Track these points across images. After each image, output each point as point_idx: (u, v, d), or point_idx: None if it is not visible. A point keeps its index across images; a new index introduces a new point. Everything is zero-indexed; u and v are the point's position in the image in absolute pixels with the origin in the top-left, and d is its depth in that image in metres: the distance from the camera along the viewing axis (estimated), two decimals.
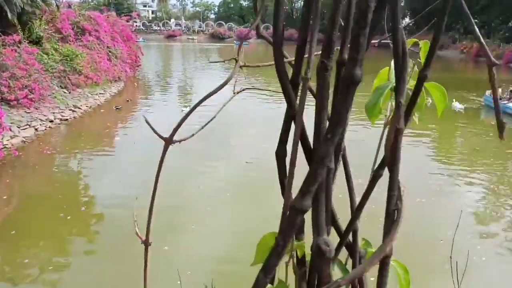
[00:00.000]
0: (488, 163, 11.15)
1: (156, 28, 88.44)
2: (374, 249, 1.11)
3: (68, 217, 7.57)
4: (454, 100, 17.74)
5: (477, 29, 0.69)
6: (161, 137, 0.73)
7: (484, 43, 0.69)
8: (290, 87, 0.75)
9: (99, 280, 5.91)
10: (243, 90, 1.03)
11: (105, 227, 7.49)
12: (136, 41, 28.16)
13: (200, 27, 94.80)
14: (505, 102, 16.60)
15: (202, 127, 0.82)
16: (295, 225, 0.66)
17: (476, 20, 47.87)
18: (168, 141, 0.72)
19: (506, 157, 11.62)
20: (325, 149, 0.65)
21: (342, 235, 0.84)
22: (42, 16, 17.10)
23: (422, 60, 1.04)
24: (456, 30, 50.08)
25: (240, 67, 0.79)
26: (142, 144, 11.67)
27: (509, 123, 15.48)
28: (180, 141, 0.73)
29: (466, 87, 23.33)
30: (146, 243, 0.79)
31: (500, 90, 17.62)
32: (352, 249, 0.80)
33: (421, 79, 0.79)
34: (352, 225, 0.83)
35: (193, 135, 0.80)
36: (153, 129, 0.76)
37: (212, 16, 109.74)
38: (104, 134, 13.74)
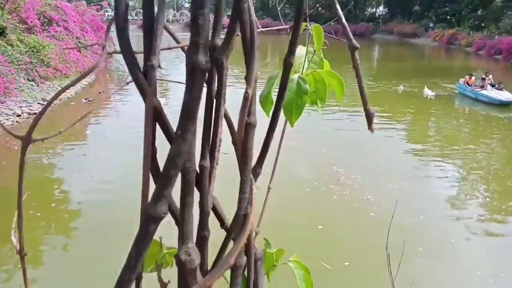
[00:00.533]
0: (460, 148, 11.44)
1: (128, 18, 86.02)
2: (274, 250, 1.06)
3: (38, 214, 7.33)
4: (426, 87, 18.16)
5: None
6: (16, 136, 0.64)
7: (346, 24, 0.62)
8: (142, 76, 0.66)
9: (68, 276, 5.76)
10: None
11: (78, 223, 7.30)
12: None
13: (174, 16, 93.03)
14: (478, 90, 16.85)
15: (72, 124, 0.73)
16: (149, 234, 0.58)
17: (447, 9, 48.87)
18: (25, 140, 0.62)
19: (477, 143, 11.96)
20: (175, 148, 0.57)
21: (226, 239, 0.77)
22: (4, 5, 16.31)
23: (316, 46, 1.01)
24: (429, 18, 50.96)
25: (108, 53, 0.70)
26: (115, 137, 11.37)
27: (482, 110, 16.01)
28: (40, 140, 0.64)
29: (438, 74, 23.84)
30: (21, 254, 0.70)
31: (473, 78, 17.86)
32: (247, 252, 0.71)
33: (286, 66, 0.72)
34: (231, 231, 0.76)
35: (60, 132, 0.71)
36: (6, 129, 0.67)
37: (187, 5, 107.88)
38: (75, 127, 13.31)
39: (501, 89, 16.72)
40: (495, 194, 8.61)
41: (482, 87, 16.93)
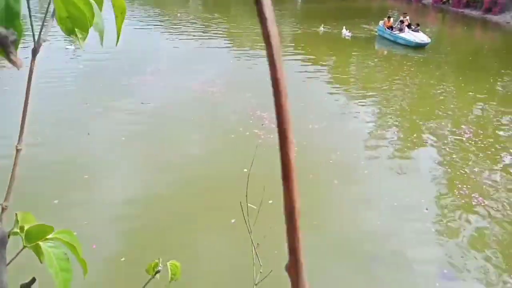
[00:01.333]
0: (377, 88, 12.04)
1: None
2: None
3: None
4: (344, 27, 18.72)
5: None
6: None
7: None
8: None
9: None
10: None
11: None
12: None
13: None
14: (396, 32, 17.19)
15: None
16: None
17: None
18: None
19: (392, 82, 12.68)
20: None
21: None
22: None
23: None
24: None
25: None
26: None
27: (399, 52, 16.70)
28: None
29: (357, 15, 24.45)
30: None
31: (391, 20, 18.19)
32: None
33: None
34: None
35: None
36: None
37: None
38: None
39: (417, 31, 17.23)
40: (404, 128, 9.34)
41: (401, 30, 17.34)
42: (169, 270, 1.15)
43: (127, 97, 10.20)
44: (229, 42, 17.22)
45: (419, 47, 16.45)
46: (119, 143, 8.05)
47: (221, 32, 18.87)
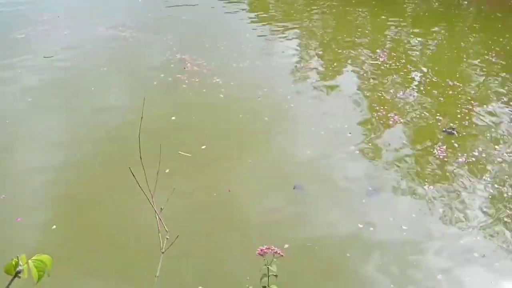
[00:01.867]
0: (297, 20, 11.93)
1: None
2: None
3: None
4: None
5: None
6: None
7: None
8: None
9: None
10: None
11: None
12: None
13: None
14: None
15: None
16: None
17: None
18: None
19: (311, 15, 12.63)
20: None
21: None
22: None
23: None
24: None
25: None
26: None
27: None
28: None
29: None
30: None
31: None
32: None
33: None
34: None
35: None
36: None
37: None
38: None
39: None
40: (325, 58, 9.56)
41: None
42: (33, 269, 0.99)
43: (24, 53, 9.07)
44: None
45: None
46: (25, 107, 7.29)
47: None
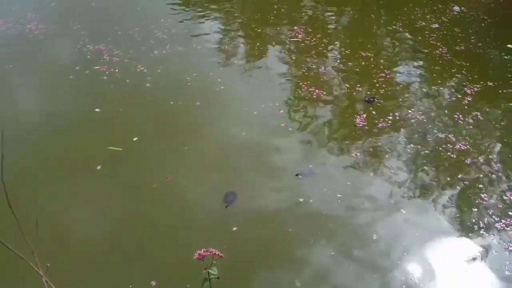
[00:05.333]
0: (221, 3, 11.78)
1: None
2: None
3: None
4: None
5: None
6: None
7: None
8: None
9: None
10: None
11: None
12: None
13: None
14: None
15: None
16: None
17: None
18: None
19: None
20: None
21: None
22: None
23: None
24: None
25: None
26: None
27: None
28: None
29: None
30: None
31: None
32: None
33: None
34: None
35: None
36: None
37: None
38: None
39: None
40: (249, 40, 9.63)
41: None
42: None
43: None
44: None
45: None
46: None
47: None
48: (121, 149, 5.87)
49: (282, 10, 11.17)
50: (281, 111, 6.92)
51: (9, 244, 1.44)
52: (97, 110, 6.67)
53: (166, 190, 5.31)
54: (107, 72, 7.68)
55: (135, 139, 6.09)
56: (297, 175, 5.59)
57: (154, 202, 5.16)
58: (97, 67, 7.81)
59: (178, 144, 6.09)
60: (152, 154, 5.89)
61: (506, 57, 8.96)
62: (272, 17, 10.58)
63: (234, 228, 4.79)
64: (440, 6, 11.65)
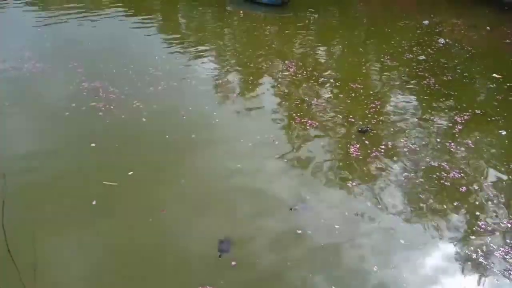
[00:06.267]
0: (211, 42, 12.11)
1: None
2: None
3: None
4: None
5: None
6: None
7: None
8: None
9: None
10: None
11: None
12: None
13: None
14: None
15: None
16: None
17: None
18: None
19: (222, 32, 12.97)
20: None
21: None
22: None
23: None
24: None
25: None
26: None
27: (255, 12, 15.97)
28: None
29: None
30: None
31: None
32: None
33: None
34: None
35: None
36: None
37: None
38: None
39: None
40: (242, 73, 9.87)
41: None
42: None
43: None
44: (29, 6, 14.66)
45: (285, 4, 14.79)
46: None
47: None
48: (116, 184, 5.85)
49: (273, 46, 11.52)
50: (276, 142, 7.00)
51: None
52: (92, 145, 6.70)
53: (161, 226, 5.24)
54: (103, 108, 7.76)
55: (130, 173, 6.09)
56: (291, 209, 5.56)
57: (149, 237, 5.10)
58: (93, 104, 7.90)
59: (173, 177, 6.09)
60: (147, 187, 5.87)
61: (491, 86, 9.26)
62: (263, 52, 10.89)
63: (233, 263, 4.74)
64: (426, 38, 12.11)
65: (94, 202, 5.51)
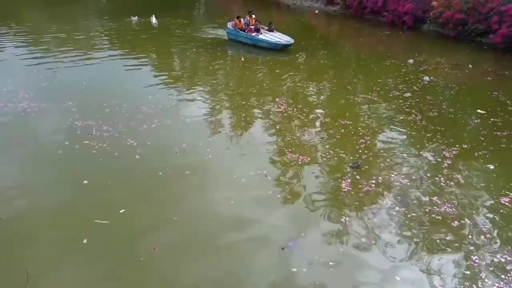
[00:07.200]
0: (201, 79, 12.46)
1: None
2: None
3: None
4: (153, 15, 19.20)
5: None
6: None
7: None
8: None
9: None
10: None
11: None
12: None
13: None
14: (254, 35, 15.57)
15: None
16: None
17: None
18: None
19: (214, 70, 13.34)
20: None
21: None
22: None
23: None
24: None
25: None
26: None
27: (247, 53, 16.10)
28: None
29: (163, 8, 24.65)
30: None
31: (242, 20, 16.04)
32: None
33: None
34: None
35: None
36: None
37: None
38: None
39: (272, 30, 15.94)
40: (234, 111, 10.07)
41: (258, 30, 15.67)
42: None
43: None
44: (26, 47, 15.01)
45: (285, 48, 15.24)
46: None
47: (12, 37, 16.28)
48: (108, 222, 5.80)
49: (264, 84, 11.85)
50: (269, 177, 7.05)
51: None
52: (85, 182, 6.68)
53: (153, 265, 5.15)
54: (96, 146, 7.81)
55: (122, 211, 6.05)
56: (283, 248, 5.49)
57: (141, 276, 5.00)
58: (87, 142, 7.95)
59: (166, 215, 6.06)
60: (139, 225, 5.81)
61: (476, 121, 9.54)
62: (255, 90, 11.18)
63: None
64: (411, 76, 12.56)
65: (85, 241, 5.44)
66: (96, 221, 5.80)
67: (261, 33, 15.78)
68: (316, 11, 23.92)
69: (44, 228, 5.75)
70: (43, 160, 7.45)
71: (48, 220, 5.92)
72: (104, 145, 7.89)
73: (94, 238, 5.49)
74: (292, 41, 15.21)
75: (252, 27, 15.92)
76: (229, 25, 16.47)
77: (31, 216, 5.98)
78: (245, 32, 15.89)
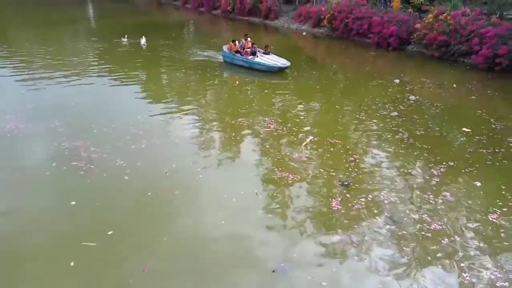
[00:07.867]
0: (192, 101, 12.50)
1: None
2: None
3: None
4: (143, 37, 19.65)
5: None
6: None
7: None
8: None
9: None
10: None
11: None
12: None
13: None
14: (251, 57, 15.63)
15: None
16: None
17: None
18: None
19: (204, 90, 13.43)
20: None
21: None
22: None
23: None
24: None
25: None
26: None
27: (236, 74, 16.54)
28: None
29: (154, 29, 24.89)
30: None
31: (238, 43, 16.14)
32: None
33: None
34: None
35: None
36: None
37: None
38: None
39: (268, 53, 16.06)
40: (224, 130, 10.10)
41: (254, 54, 15.72)
42: None
43: None
44: (13, 68, 14.96)
45: (281, 71, 15.26)
46: None
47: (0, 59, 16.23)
48: (95, 244, 5.68)
49: (253, 104, 11.95)
50: (260, 196, 7.03)
51: None
52: (72, 203, 6.58)
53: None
54: (84, 168, 7.72)
55: (110, 232, 5.94)
56: (273, 271, 5.41)
57: None
58: (74, 163, 7.87)
59: (155, 236, 5.97)
60: (128, 247, 5.71)
61: (462, 139, 9.71)
62: (244, 111, 11.26)
63: None
64: (398, 96, 12.81)
65: (72, 264, 5.31)
66: (83, 243, 5.69)
67: (257, 56, 15.85)
68: (304, 33, 24.46)
69: (30, 251, 5.61)
70: (30, 181, 7.33)
71: (34, 242, 5.78)
72: (92, 166, 7.81)
73: (81, 261, 5.37)
74: (288, 64, 15.28)
75: (248, 50, 16.00)
76: (225, 48, 16.64)
77: (17, 238, 5.85)
78: (241, 55, 16.00)
